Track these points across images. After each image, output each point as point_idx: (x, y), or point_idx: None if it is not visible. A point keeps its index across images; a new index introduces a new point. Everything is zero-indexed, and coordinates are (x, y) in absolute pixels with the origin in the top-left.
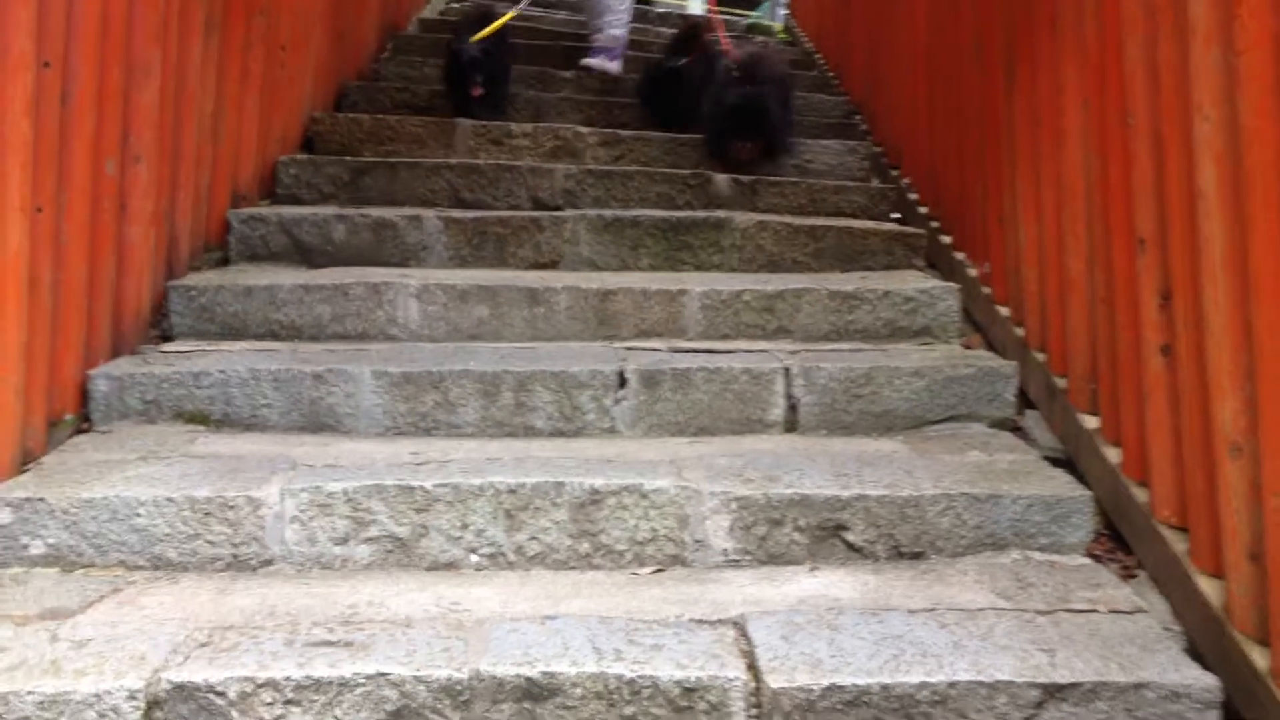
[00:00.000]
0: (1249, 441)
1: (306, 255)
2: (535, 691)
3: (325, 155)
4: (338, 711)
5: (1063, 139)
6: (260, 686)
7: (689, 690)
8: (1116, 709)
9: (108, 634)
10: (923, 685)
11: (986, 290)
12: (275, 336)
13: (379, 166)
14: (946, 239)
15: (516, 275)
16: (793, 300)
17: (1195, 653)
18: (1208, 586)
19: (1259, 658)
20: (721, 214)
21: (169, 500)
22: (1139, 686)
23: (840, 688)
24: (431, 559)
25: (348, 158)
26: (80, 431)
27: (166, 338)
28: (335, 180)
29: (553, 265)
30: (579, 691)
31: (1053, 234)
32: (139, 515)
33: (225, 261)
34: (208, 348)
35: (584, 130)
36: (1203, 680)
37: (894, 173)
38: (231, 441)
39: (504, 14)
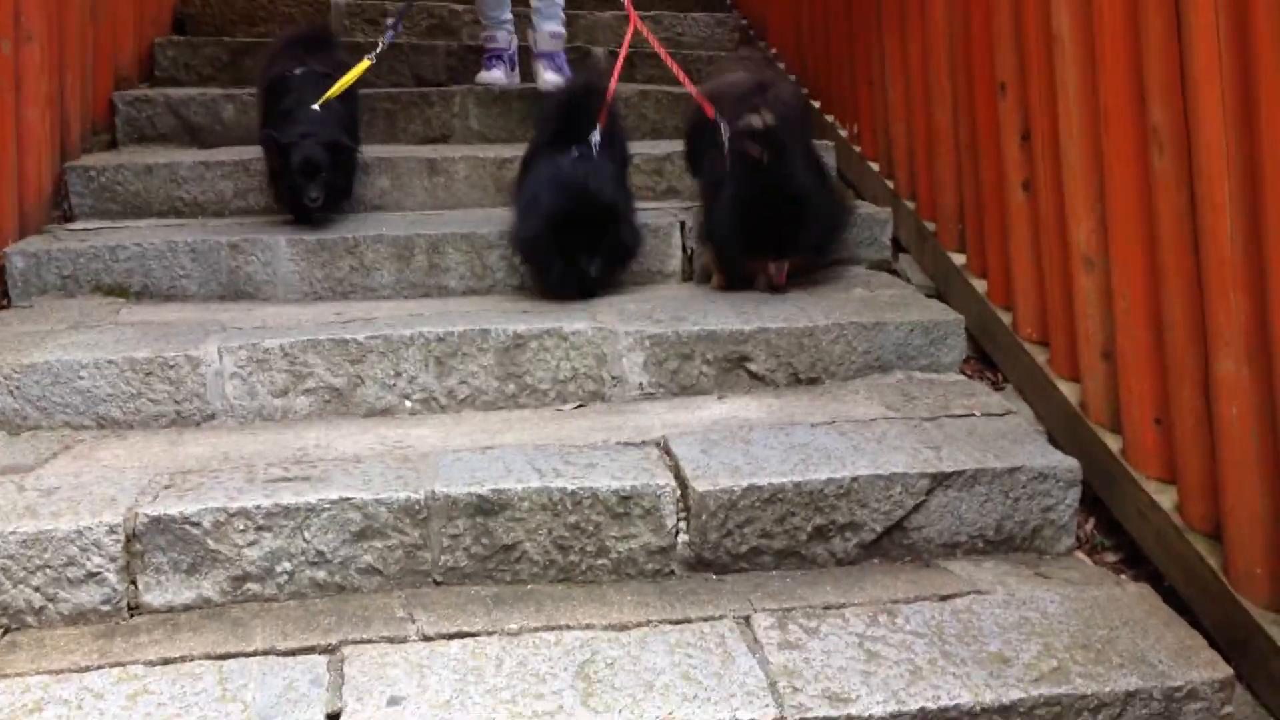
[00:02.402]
0: (1100, 256)
1: (196, 135)
2: (486, 507)
3: (200, 37)
4: (306, 534)
5: None
6: (232, 515)
7: (625, 498)
8: (994, 490)
9: (72, 483)
10: (829, 481)
11: (857, 149)
12: (179, 214)
13: (258, 47)
14: (816, 104)
15: (411, 149)
16: (680, 162)
17: (1057, 445)
18: (1066, 389)
19: (1112, 442)
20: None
21: (109, 362)
22: (1012, 470)
23: (758, 487)
24: (369, 406)
25: (225, 39)
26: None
27: (68, 218)
28: (214, 61)
29: (444, 139)
30: (526, 505)
31: (919, 89)
32: (81, 378)
33: (114, 144)
34: (115, 225)
35: (459, 9)
36: (1065, 463)
37: (761, 45)
38: (156, 310)
39: (348, 58)
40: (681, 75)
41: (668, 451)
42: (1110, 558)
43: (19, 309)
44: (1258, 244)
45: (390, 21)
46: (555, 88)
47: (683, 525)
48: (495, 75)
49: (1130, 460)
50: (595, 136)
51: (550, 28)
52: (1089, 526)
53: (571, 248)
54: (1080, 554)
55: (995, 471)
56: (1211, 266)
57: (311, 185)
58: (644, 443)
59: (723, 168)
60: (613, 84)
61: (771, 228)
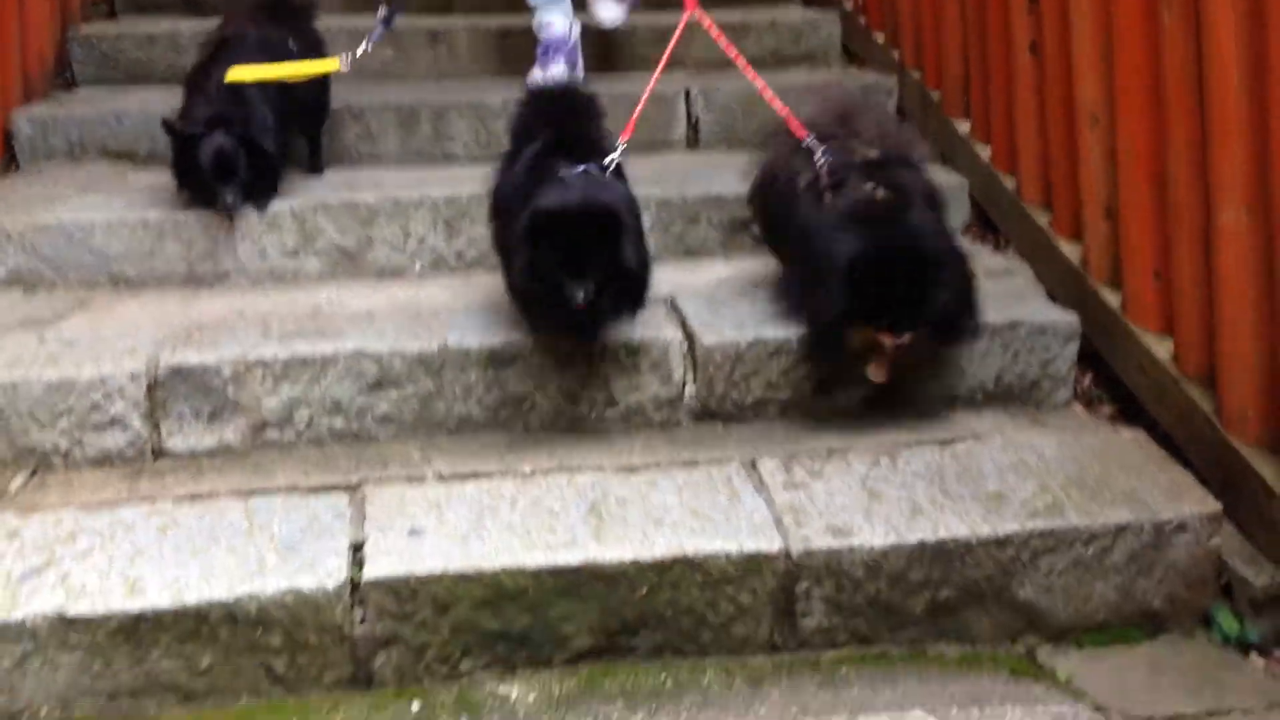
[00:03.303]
0: (1106, 113)
1: (194, 5)
2: (498, 359)
3: None
4: (324, 383)
5: None
6: (251, 365)
7: (633, 350)
8: (994, 345)
9: (91, 335)
10: None
11: (862, 20)
12: (180, 81)
13: None
14: None
15: (413, 20)
16: (685, 32)
17: (1057, 303)
18: (1068, 249)
19: (1111, 298)
20: None
21: (122, 222)
22: (1013, 325)
23: (763, 340)
24: (379, 267)
25: None
26: (7, 174)
27: (71, 86)
28: None
29: (446, 10)
30: (536, 358)
31: None
32: (94, 237)
33: (113, 14)
34: (118, 92)
35: None
36: (1065, 318)
37: None
38: (163, 175)
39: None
40: (762, 84)
41: (675, 308)
42: (1107, 410)
43: (28, 173)
44: (1261, 96)
45: (381, 14)
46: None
47: (690, 377)
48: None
49: (1129, 315)
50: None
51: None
52: (1086, 381)
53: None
54: (1078, 406)
55: (995, 326)
56: (1216, 119)
57: (226, 188)
58: (652, 300)
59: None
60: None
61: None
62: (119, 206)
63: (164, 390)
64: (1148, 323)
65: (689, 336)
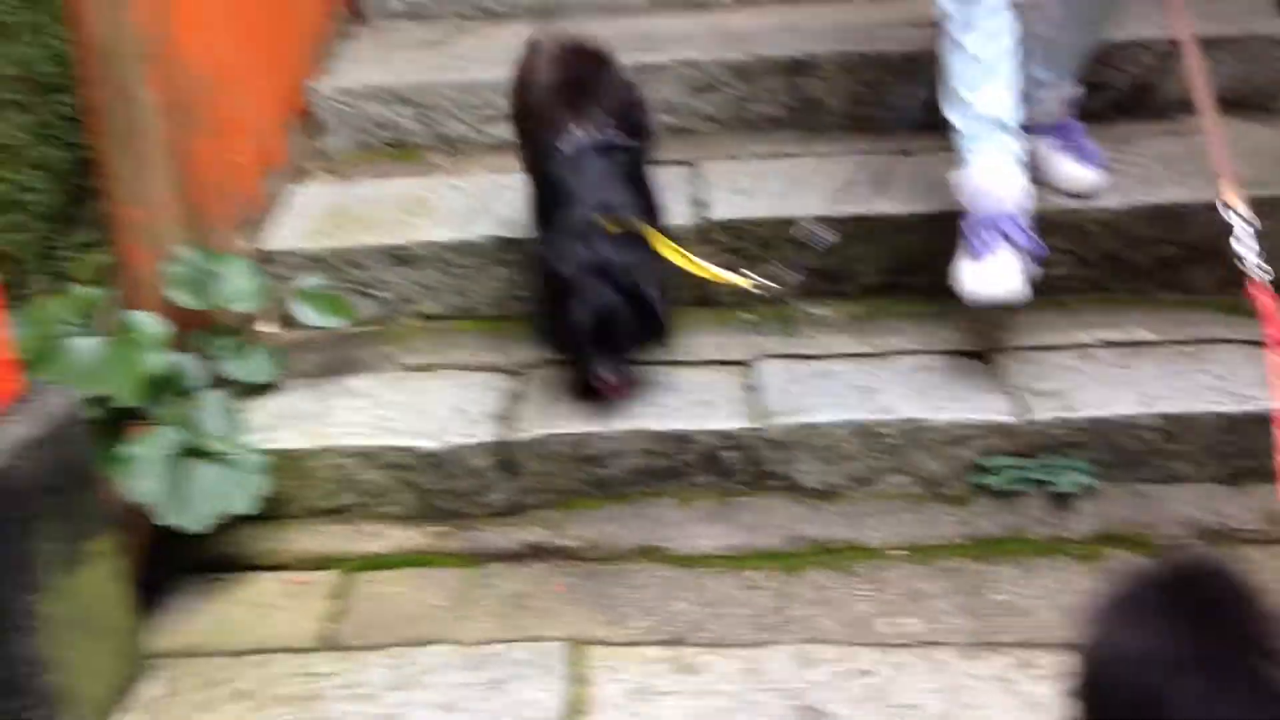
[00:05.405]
0: None
1: None
2: (794, 67)
3: None
4: (659, 86)
5: None
6: None
7: (910, 58)
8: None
9: (477, 50)
10: None
11: None
12: None
13: None
14: None
15: None
16: None
17: None
18: None
19: None
20: None
21: None
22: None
23: None
24: (690, 1)
25: None
26: None
27: None
28: None
29: None
30: (831, 65)
31: None
32: None
33: None
34: None
35: None
36: None
37: None
38: None
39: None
40: None
41: None
42: None
43: None
44: None
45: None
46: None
47: None
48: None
49: None
50: None
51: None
52: None
53: None
54: None
55: (1231, 37)
56: None
57: (599, 357)
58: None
59: None
60: None
61: None
62: None
63: None
64: None
65: None
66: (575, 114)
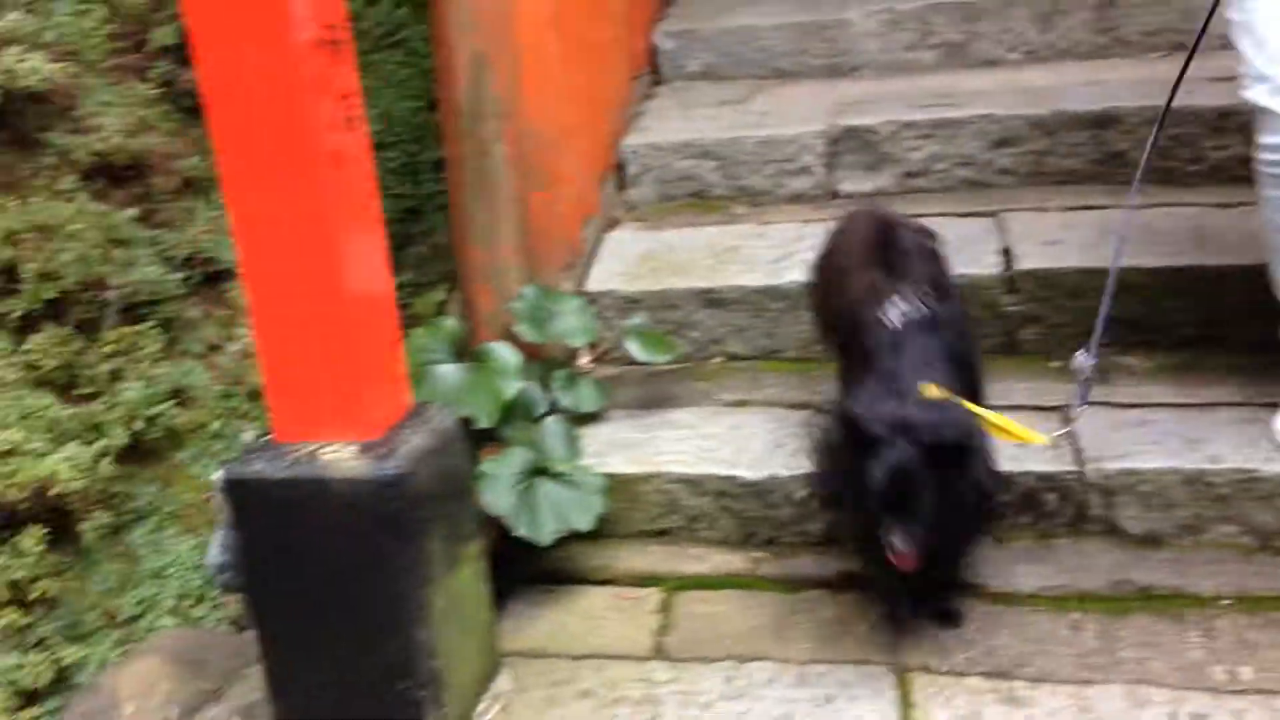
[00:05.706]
0: None
1: None
2: (1103, 120)
3: None
4: (957, 140)
5: None
6: (902, 126)
7: (1224, 114)
8: None
9: (774, 108)
10: None
11: None
12: None
13: None
14: None
15: None
16: None
17: None
18: None
19: None
20: None
21: (780, 25)
22: None
23: None
24: (980, 57)
25: None
26: None
27: None
28: None
29: None
30: (1133, 119)
31: None
32: (761, 38)
33: None
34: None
35: None
36: None
37: None
38: None
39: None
40: None
41: None
42: None
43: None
44: None
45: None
46: None
47: None
48: None
49: None
50: None
51: None
52: None
53: None
54: None
55: None
56: None
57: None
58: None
59: None
60: None
61: None
62: (776, 12)
63: (838, 145)
64: None
65: None
66: (895, 285)
